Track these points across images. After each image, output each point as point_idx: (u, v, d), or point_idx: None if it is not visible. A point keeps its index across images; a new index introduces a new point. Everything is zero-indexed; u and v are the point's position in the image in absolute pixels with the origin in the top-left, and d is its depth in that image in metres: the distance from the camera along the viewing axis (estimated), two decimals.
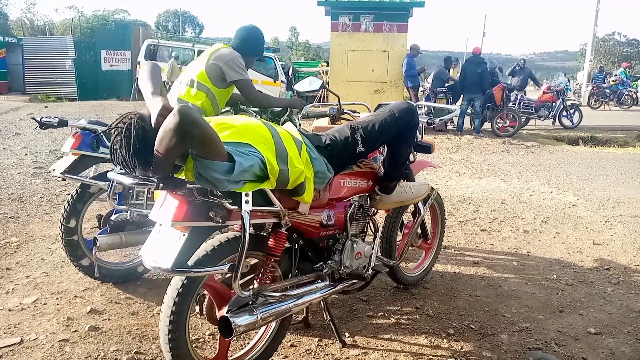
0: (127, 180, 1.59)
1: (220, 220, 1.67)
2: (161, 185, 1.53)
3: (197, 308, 1.90)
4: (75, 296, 2.74)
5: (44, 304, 2.65)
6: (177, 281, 1.75)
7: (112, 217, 2.79)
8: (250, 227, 1.68)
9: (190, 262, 1.70)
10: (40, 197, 4.62)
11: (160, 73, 1.83)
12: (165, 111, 1.52)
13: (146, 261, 1.69)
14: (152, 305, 2.68)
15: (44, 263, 3.18)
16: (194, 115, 1.48)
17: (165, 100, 1.60)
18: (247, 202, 1.67)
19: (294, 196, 1.90)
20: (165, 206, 1.67)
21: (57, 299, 2.71)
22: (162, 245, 1.69)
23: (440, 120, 2.96)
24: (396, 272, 2.85)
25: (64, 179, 2.77)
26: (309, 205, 1.98)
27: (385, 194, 2.40)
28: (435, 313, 2.70)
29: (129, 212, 2.77)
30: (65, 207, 2.75)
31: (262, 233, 1.97)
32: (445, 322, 2.61)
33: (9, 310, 2.56)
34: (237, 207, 1.66)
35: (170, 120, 1.45)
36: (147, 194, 2.74)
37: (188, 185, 1.62)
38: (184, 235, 1.66)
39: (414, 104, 2.39)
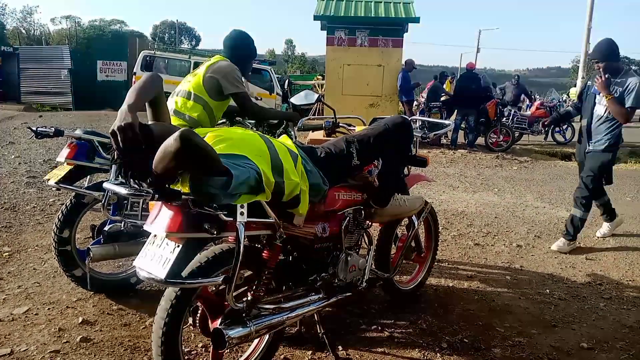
0: (122, 191, 1.58)
1: (215, 232, 1.67)
2: (156, 196, 1.52)
3: (190, 320, 1.89)
4: (67, 307, 2.72)
5: (36, 314, 2.62)
6: (170, 292, 1.75)
7: (106, 228, 2.78)
8: (244, 238, 1.69)
9: (184, 274, 1.69)
10: (34, 207, 4.59)
11: (160, 84, 1.81)
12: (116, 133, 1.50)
13: (140, 272, 1.68)
14: (144, 317, 2.66)
15: (36, 273, 3.16)
16: (195, 140, 1.43)
17: (124, 121, 1.52)
18: (242, 213, 1.67)
19: (289, 208, 1.91)
20: (159, 217, 1.67)
21: (48, 309, 2.68)
22: (156, 256, 1.68)
23: (434, 134, 3.00)
24: (390, 285, 2.85)
25: (58, 189, 2.77)
26: (304, 217, 1.99)
27: (379, 206, 2.42)
28: (428, 327, 2.70)
29: (123, 222, 2.76)
30: (59, 216, 2.74)
31: (256, 245, 1.98)
32: (438, 335, 2.61)
33: (0, 320, 2.54)
34: (232, 219, 1.66)
35: (171, 144, 1.41)
36: (142, 204, 2.74)
37: (183, 197, 1.61)
38: (178, 246, 1.65)
39: (409, 118, 2.42)
